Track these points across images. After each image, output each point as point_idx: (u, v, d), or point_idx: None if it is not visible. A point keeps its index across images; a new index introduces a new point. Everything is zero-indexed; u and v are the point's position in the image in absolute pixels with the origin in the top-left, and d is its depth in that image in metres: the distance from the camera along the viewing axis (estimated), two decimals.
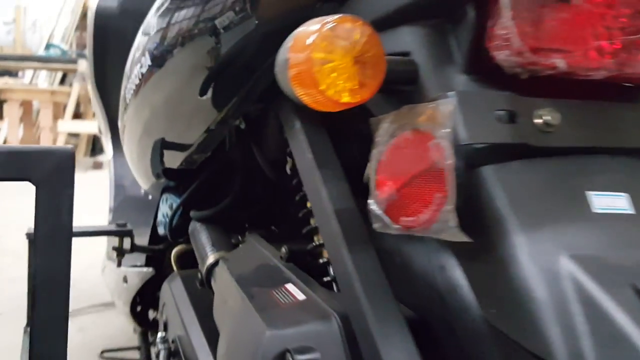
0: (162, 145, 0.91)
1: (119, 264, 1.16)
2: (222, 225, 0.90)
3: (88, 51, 1.69)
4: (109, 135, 1.79)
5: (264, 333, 0.48)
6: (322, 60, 0.46)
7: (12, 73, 6.36)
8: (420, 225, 0.41)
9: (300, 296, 0.55)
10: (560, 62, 0.41)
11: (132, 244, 1.08)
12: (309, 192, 0.55)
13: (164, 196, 1.05)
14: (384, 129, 0.45)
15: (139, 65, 0.90)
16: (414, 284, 0.49)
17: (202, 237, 0.87)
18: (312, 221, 0.67)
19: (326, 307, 0.50)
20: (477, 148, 0.42)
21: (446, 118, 0.39)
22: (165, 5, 0.80)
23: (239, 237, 0.89)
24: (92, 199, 2.53)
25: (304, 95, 0.48)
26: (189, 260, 0.98)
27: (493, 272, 0.40)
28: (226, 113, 0.72)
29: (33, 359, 0.54)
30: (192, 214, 0.93)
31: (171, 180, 0.97)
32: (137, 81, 0.92)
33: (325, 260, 0.64)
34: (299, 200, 0.70)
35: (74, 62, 5.70)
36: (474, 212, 0.41)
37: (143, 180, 1.15)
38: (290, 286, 0.58)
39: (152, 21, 0.85)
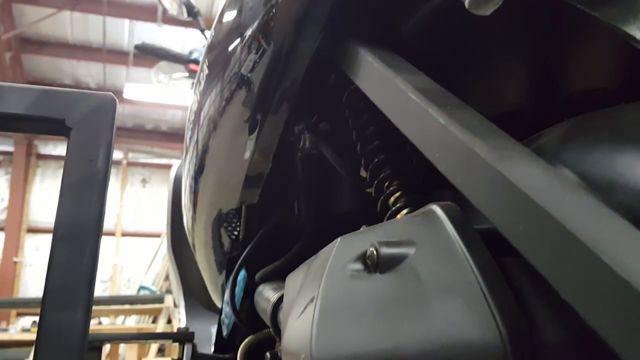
0: (220, 216, 0.84)
1: None
2: None
3: (167, 217, 1.73)
4: (182, 304, 1.71)
5: None
6: None
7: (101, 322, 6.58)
8: None
9: None
10: None
11: (194, 351, 0.92)
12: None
13: (226, 295, 0.92)
14: None
15: (192, 164, 0.90)
16: None
17: (266, 292, 0.72)
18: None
19: None
20: None
21: None
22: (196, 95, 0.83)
23: None
24: None
25: None
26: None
27: None
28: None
29: None
30: (256, 277, 0.79)
31: (234, 251, 0.86)
32: (194, 185, 0.90)
33: None
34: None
35: (161, 300, 5.87)
36: None
37: (214, 292, 1.05)
38: None
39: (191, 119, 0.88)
